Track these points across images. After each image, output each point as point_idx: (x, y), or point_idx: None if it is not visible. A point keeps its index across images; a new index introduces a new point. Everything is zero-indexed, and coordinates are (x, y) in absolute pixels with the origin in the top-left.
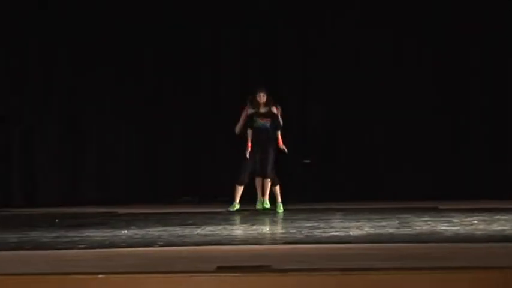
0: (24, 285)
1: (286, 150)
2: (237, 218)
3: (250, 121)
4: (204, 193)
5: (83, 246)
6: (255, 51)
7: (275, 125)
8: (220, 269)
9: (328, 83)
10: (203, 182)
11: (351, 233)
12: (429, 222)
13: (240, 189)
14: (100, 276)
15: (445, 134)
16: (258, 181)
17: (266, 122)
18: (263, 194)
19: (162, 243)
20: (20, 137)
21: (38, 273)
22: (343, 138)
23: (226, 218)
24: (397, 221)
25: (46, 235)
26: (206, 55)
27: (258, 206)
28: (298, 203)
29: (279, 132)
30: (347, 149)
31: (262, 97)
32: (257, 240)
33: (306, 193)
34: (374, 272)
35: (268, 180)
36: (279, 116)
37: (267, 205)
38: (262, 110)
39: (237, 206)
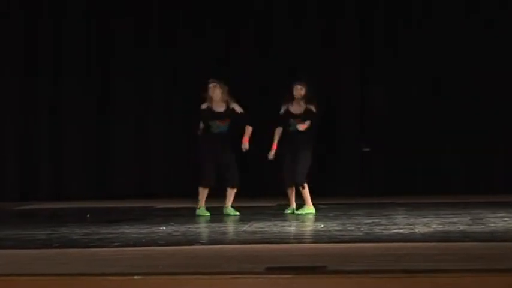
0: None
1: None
2: (288, 214)
3: None
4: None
5: (117, 244)
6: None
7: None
8: (270, 270)
9: (390, 65)
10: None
11: (416, 230)
12: (505, 219)
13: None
14: (136, 277)
15: None
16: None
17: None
18: None
19: (204, 241)
20: (48, 127)
21: (67, 274)
22: (407, 124)
23: (276, 214)
24: (469, 217)
25: (76, 231)
26: None
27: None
28: (357, 197)
29: None
30: (411, 137)
31: None
32: (311, 239)
33: (365, 186)
34: (442, 274)
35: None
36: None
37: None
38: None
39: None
